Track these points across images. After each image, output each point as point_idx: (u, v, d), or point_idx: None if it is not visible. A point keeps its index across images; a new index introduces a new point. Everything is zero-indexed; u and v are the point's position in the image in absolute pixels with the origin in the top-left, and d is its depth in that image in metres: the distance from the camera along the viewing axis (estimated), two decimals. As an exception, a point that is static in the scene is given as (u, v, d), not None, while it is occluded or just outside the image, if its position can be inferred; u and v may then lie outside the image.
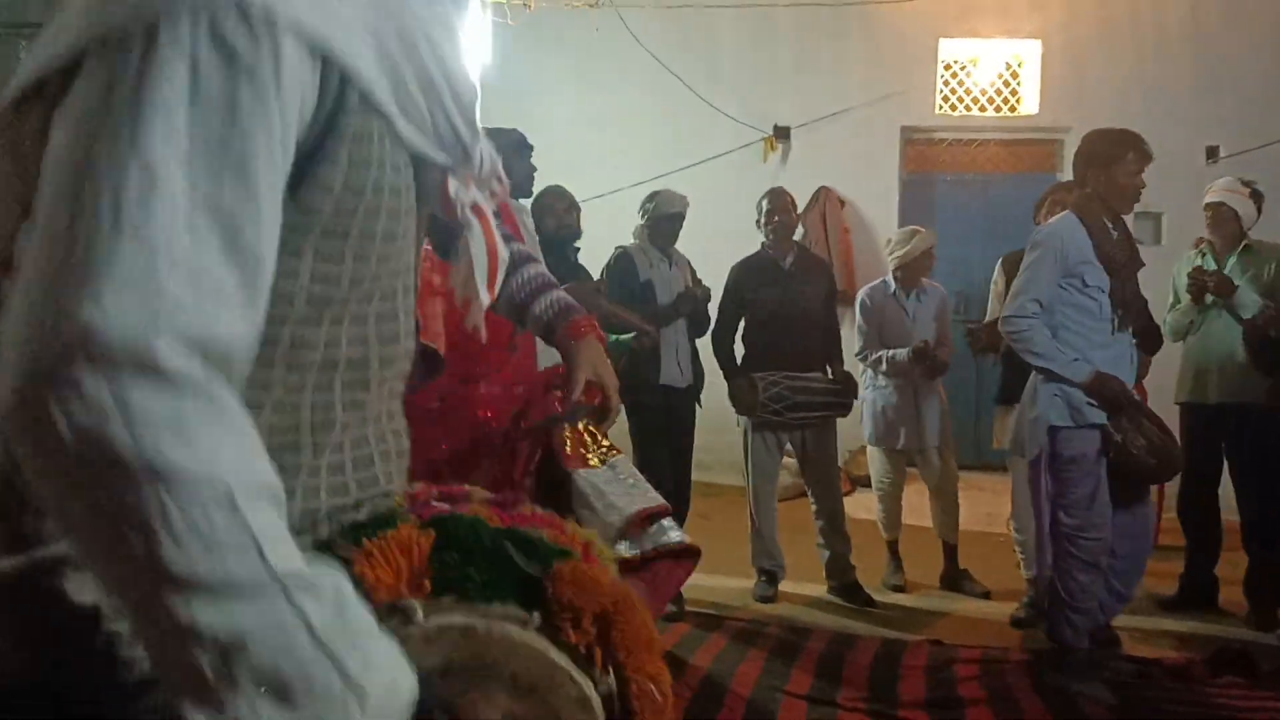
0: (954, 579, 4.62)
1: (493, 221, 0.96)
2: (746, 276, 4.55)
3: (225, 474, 0.59)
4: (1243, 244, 4.32)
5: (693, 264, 4.55)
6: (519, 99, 6.05)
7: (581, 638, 0.82)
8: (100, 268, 0.58)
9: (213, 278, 0.62)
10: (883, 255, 5.19)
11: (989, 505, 5.65)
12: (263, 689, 0.60)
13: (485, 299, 0.97)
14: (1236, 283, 4.22)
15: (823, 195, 6.99)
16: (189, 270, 0.61)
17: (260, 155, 0.66)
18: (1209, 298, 4.27)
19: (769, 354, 4.43)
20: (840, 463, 4.81)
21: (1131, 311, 3.39)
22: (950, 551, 4.67)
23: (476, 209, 0.93)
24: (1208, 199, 4.35)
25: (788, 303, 4.44)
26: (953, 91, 7.40)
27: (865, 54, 7.11)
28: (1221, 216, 4.30)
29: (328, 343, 0.78)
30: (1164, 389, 4.46)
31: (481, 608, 0.77)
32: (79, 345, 0.57)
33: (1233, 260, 4.31)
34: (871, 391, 4.69)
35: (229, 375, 0.63)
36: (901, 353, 4.50)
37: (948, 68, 7.37)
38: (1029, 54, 7.28)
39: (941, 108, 7.35)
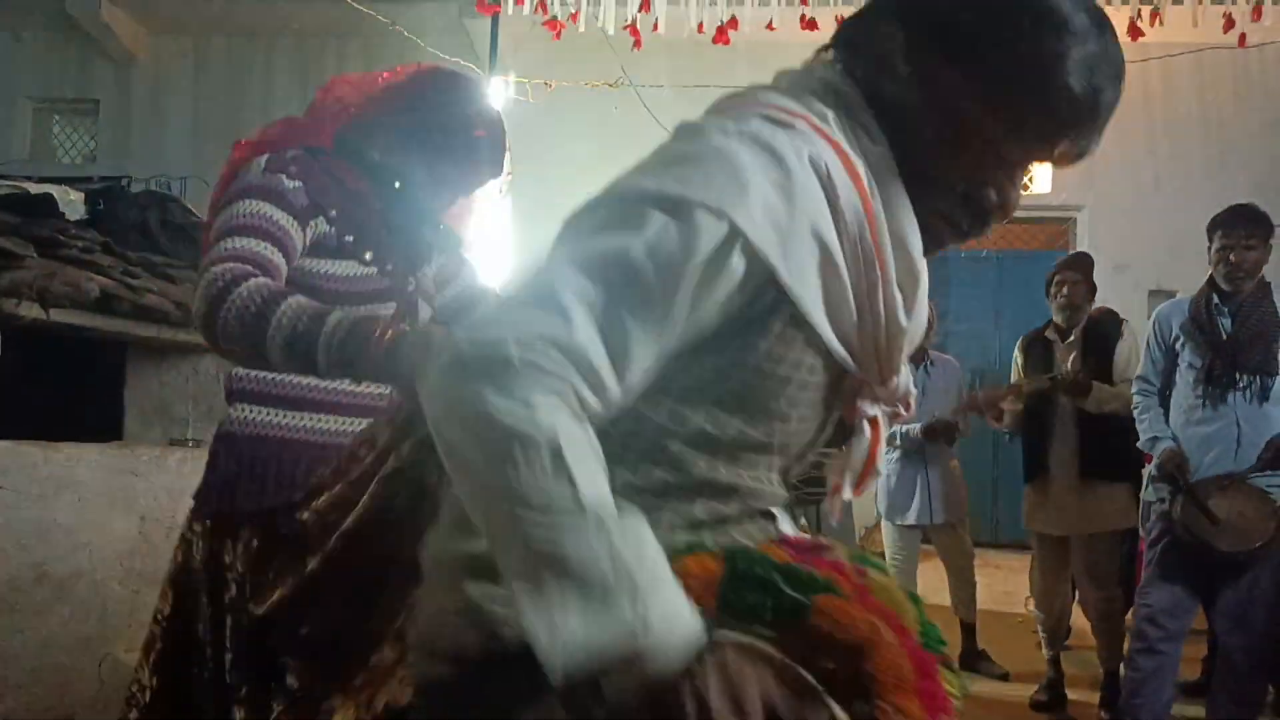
0: (971, 659, 4.55)
1: (883, 436, 1.09)
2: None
3: (557, 435, 0.80)
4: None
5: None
6: (540, 175, 6.16)
7: (834, 666, 0.89)
8: (522, 314, 0.84)
9: (573, 337, 0.84)
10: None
11: (1006, 584, 5.58)
12: (571, 582, 0.79)
13: (848, 495, 1.11)
14: None
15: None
16: (558, 325, 0.83)
17: (674, 305, 0.86)
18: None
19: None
20: (856, 539, 4.77)
21: (1235, 387, 3.26)
22: (968, 630, 4.60)
23: (873, 421, 1.07)
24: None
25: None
26: (966, 170, 7.49)
27: (879, 133, 7.22)
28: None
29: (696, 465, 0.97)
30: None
31: (745, 627, 0.88)
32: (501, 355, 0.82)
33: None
34: (884, 465, 4.66)
35: (575, 389, 0.83)
36: (914, 428, 4.48)
37: (961, 147, 7.47)
38: (1041, 134, 7.37)
39: (955, 186, 7.44)
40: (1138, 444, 3.46)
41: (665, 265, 0.85)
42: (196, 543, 1.71)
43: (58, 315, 2.95)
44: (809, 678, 0.84)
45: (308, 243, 1.65)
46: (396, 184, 1.73)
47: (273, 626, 1.56)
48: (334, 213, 1.66)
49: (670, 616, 0.81)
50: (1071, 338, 4.05)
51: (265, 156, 1.64)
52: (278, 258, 1.58)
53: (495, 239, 7.04)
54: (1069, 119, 0.94)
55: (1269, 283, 3.36)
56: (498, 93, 6.92)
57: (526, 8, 5.42)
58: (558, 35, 5.56)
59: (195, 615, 1.67)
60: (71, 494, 2.88)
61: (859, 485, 1.10)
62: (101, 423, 3.60)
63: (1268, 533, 3.10)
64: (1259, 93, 6.86)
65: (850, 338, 0.95)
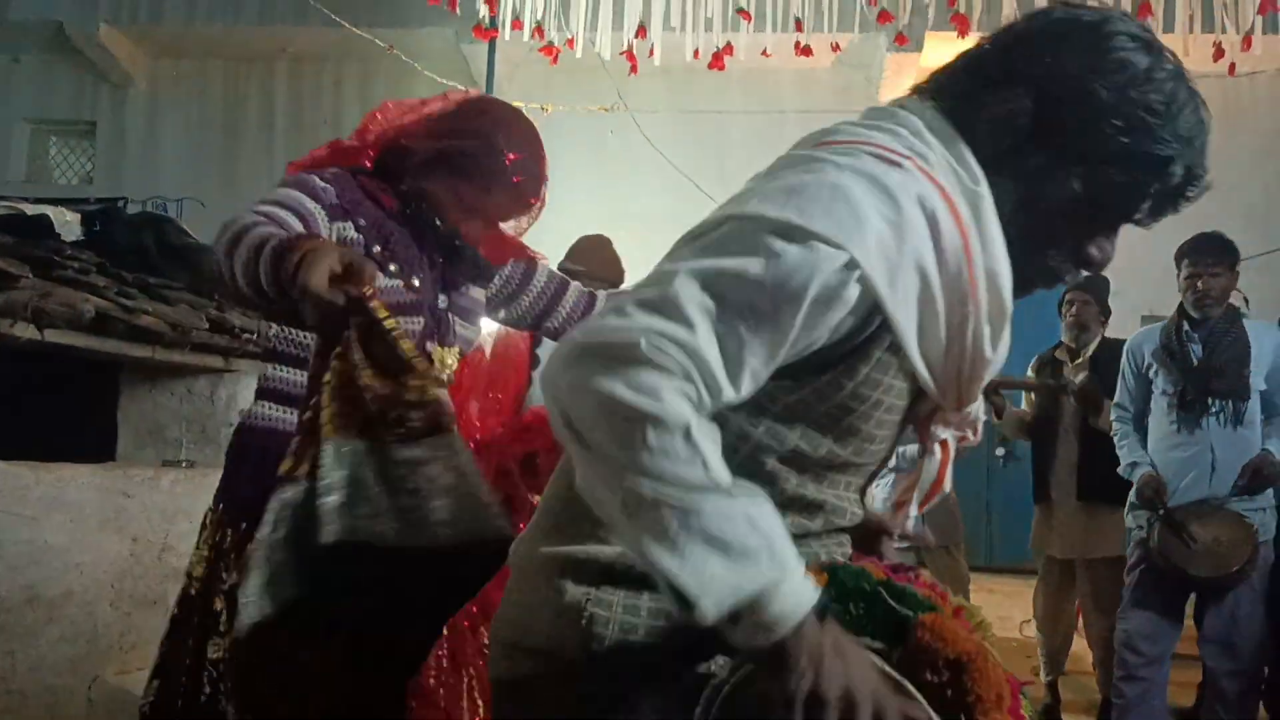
0: (967, 684, 4.51)
1: (951, 458, 1.17)
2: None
3: (688, 420, 0.89)
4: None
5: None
6: (534, 198, 6.19)
7: (936, 679, 0.96)
8: (648, 318, 0.91)
9: (696, 340, 0.91)
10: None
11: (1001, 608, 5.56)
12: (706, 542, 0.88)
13: (914, 513, 1.21)
14: None
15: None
16: (683, 340, 0.91)
17: (782, 325, 0.94)
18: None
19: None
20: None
21: (1208, 412, 3.31)
22: (963, 656, 4.57)
23: (943, 444, 1.17)
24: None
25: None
26: (960, 195, 7.54)
27: (873, 158, 7.28)
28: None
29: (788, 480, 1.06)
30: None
31: (852, 638, 0.94)
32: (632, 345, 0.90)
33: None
34: (875, 488, 4.65)
35: (695, 386, 0.91)
36: (911, 449, 4.46)
37: (954, 173, 7.53)
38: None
39: (949, 211, 7.49)
40: (1118, 469, 3.48)
41: (783, 289, 0.93)
42: (209, 531, 1.77)
43: (52, 336, 2.95)
44: (907, 684, 0.92)
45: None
46: (424, 205, 1.77)
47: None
48: (363, 222, 1.71)
49: (796, 575, 0.91)
50: (1080, 359, 4.04)
51: (299, 176, 1.71)
52: (298, 225, 1.60)
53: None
54: (1174, 202, 1.05)
55: (1237, 308, 3.43)
56: (494, 117, 6.99)
57: (524, 33, 5.45)
58: (554, 60, 5.59)
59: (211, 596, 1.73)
60: (63, 515, 2.87)
61: (924, 503, 1.21)
62: (95, 444, 3.59)
63: (1244, 556, 3.12)
64: (1249, 121, 6.92)
65: (937, 366, 1.03)
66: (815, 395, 1.01)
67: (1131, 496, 3.41)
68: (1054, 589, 4.10)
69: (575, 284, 2.07)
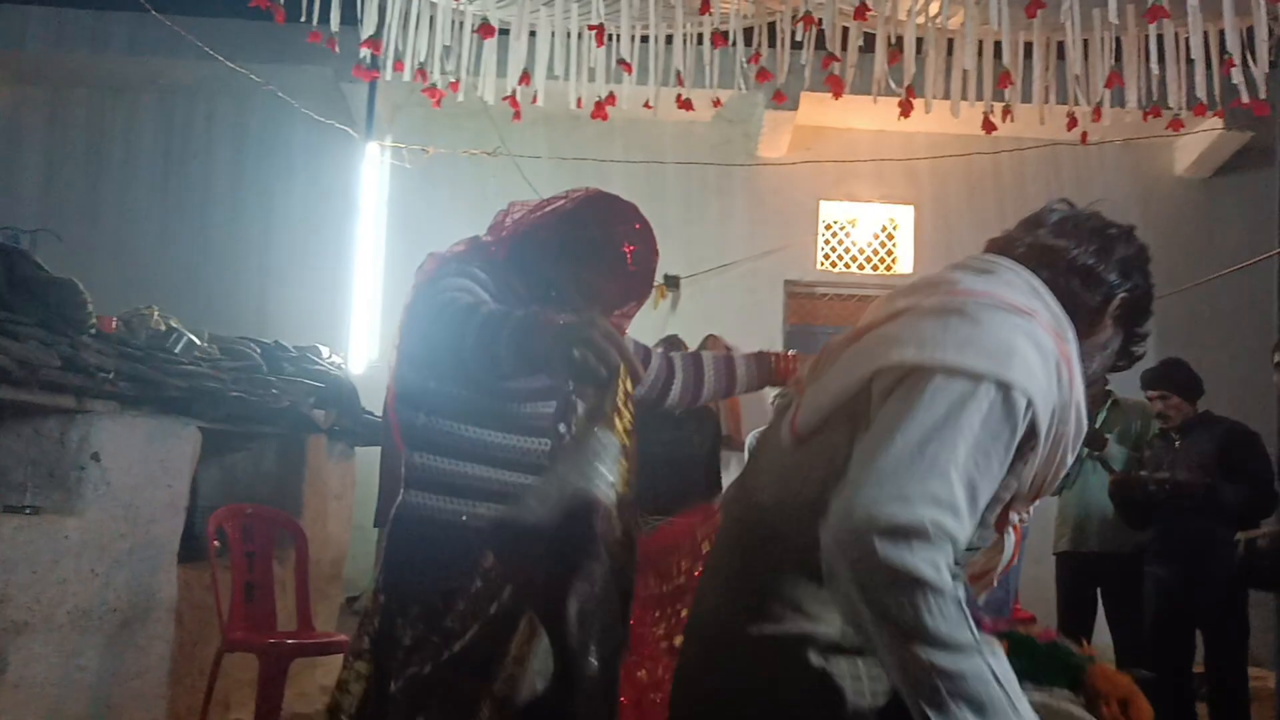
0: None
1: (1023, 544, 1.53)
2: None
3: (956, 589, 1.14)
4: (1110, 400, 4.60)
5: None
6: (415, 241, 6.10)
7: (1110, 713, 1.38)
8: (910, 481, 1.17)
9: (960, 510, 1.17)
10: (767, 401, 5.31)
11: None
12: (970, 706, 1.12)
13: (994, 586, 1.51)
14: (1106, 436, 4.46)
15: (709, 343, 7.15)
16: (952, 503, 1.17)
17: (995, 464, 1.23)
18: (1084, 450, 4.49)
19: (652, 497, 4.43)
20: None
21: None
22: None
23: (1015, 527, 1.46)
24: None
25: (674, 446, 4.49)
26: (833, 249, 7.76)
27: (751, 211, 7.44)
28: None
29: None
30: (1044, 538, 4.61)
31: (1047, 689, 1.31)
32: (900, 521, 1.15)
33: (1102, 416, 4.57)
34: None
35: (954, 551, 1.17)
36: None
37: (828, 227, 7.75)
38: (903, 218, 7.72)
39: (822, 264, 7.69)
40: None
41: (1000, 430, 1.23)
42: (374, 617, 1.89)
43: (-115, 372, 2.75)
44: None
45: None
46: (552, 292, 1.90)
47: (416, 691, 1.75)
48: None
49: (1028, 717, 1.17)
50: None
51: (454, 264, 1.88)
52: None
53: (369, 301, 6.92)
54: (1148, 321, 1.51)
55: None
56: (373, 158, 6.88)
57: (406, 74, 5.40)
58: (437, 103, 5.56)
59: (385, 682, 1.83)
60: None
61: (1001, 575, 1.50)
62: (-71, 488, 3.35)
63: None
64: (1099, 186, 7.35)
65: (1039, 471, 1.35)
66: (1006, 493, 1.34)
67: None
68: None
69: (655, 352, 2.27)
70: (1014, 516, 1.41)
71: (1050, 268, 1.43)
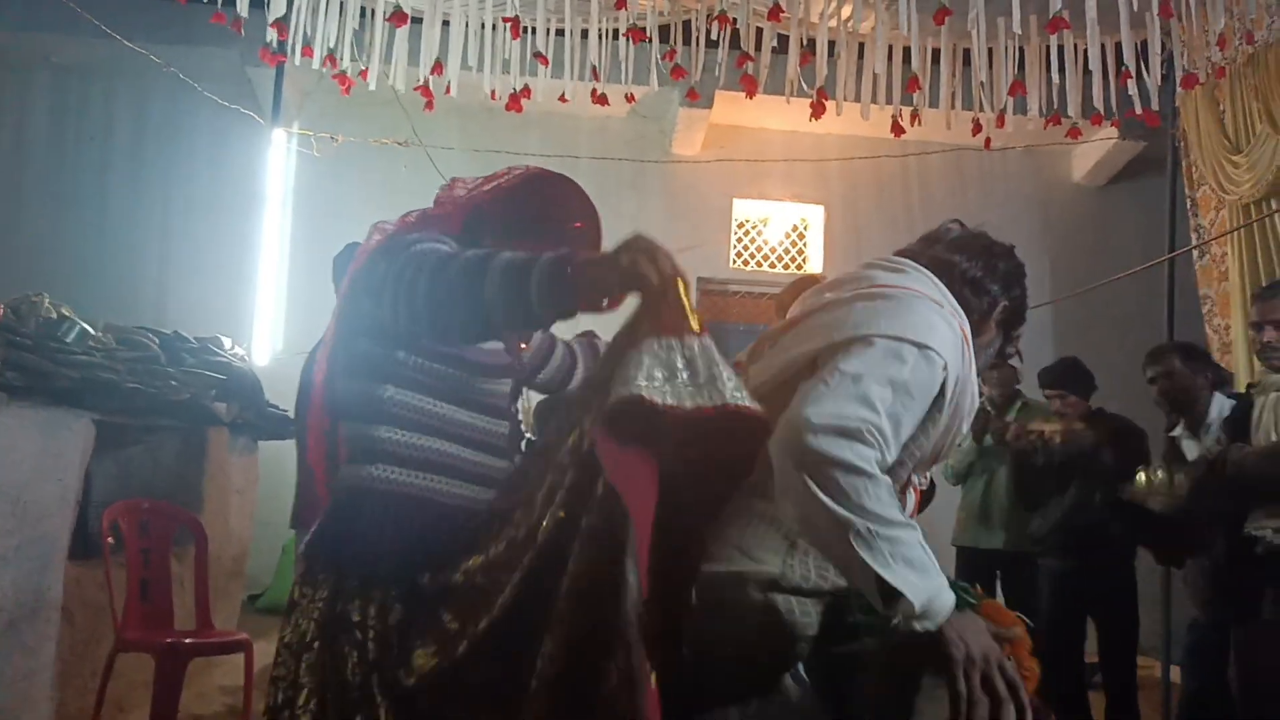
0: None
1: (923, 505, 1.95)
2: (548, 412, 4.57)
3: (880, 476, 1.43)
4: (1020, 402, 4.78)
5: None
6: (322, 229, 5.98)
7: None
8: (842, 402, 1.45)
9: (885, 433, 1.46)
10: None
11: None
12: (906, 563, 1.40)
13: None
14: (1008, 422, 4.63)
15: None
16: (879, 425, 1.46)
17: (916, 407, 1.54)
18: (988, 440, 4.63)
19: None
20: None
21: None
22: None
23: (915, 488, 1.72)
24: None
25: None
26: (745, 248, 7.84)
27: (665, 208, 7.47)
28: (1006, 376, 4.74)
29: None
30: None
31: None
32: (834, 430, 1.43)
33: (1012, 414, 4.73)
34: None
35: (880, 463, 1.45)
36: None
37: (740, 225, 7.83)
38: (814, 217, 7.84)
39: (735, 262, 7.77)
40: None
41: (922, 382, 1.54)
42: (314, 603, 1.71)
43: None
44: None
45: None
46: None
47: (424, 693, 1.58)
48: None
49: (945, 584, 1.45)
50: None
51: (417, 230, 1.80)
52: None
53: (274, 292, 6.76)
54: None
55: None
56: (279, 145, 6.72)
57: (315, 60, 5.28)
58: (347, 90, 5.45)
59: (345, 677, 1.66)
60: None
61: None
62: None
63: None
64: (1004, 191, 7.57)
65: (947, 432, 1.64)
66: (909, 442, 1.58)
67: None
68: None
69: (560, 341, 2.28)
70: (915, 479, 1.67)
71: (947, 276, 1.71)
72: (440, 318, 1.60)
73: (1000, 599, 4.66)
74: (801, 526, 1.49)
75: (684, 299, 1.40)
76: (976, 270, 1.75)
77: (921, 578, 1.40)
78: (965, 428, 1.67)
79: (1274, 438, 3.05)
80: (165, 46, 6.40)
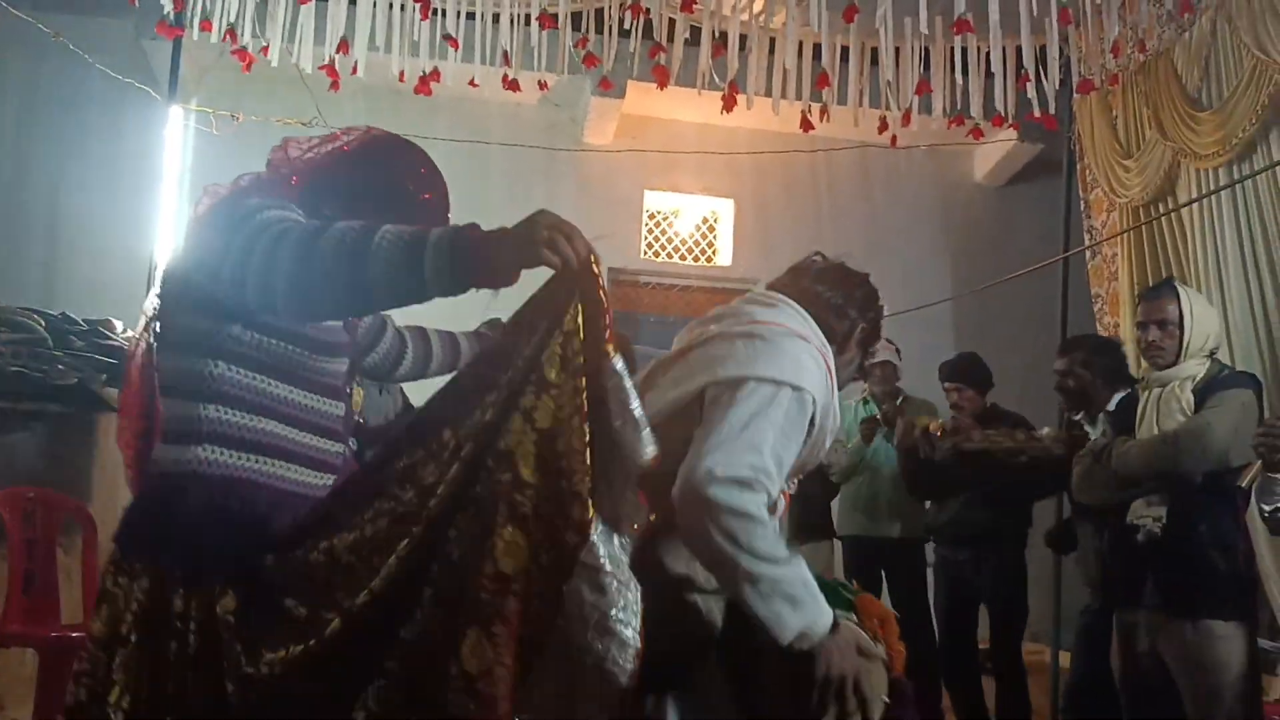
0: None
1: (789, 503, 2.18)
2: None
3: (772, 522, 1.75)
4: (900, 398, 4.89)
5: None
6: (220, 211, 5.80)
7: (871, 626, 1.92)
8: (736, 451, 1.75)
9: (771, 474, 1.75)
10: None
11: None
12: (784, 599, 1.72)
13: None
14: (887, 412, 4.78)
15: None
16: (765, 468, 1.75)
17: (794, 444, 1.84)
18: (877, 442, 4.73)
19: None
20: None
21: None
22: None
23: (786, 495, 1.94)
24: (875, 358, 4.84)
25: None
26: (656, 239, 7.86)
27: (576, 197, 7.43)
28: (887, 373, 4.85)
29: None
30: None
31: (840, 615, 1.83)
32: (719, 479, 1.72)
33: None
34: None
35: (768, 500, 1.74)
36: None
37: (651, 217, 7.84)
38: (723, 211, 7.89)
39: (645, 253, 7.78)
40: None
41: (796, 420, 1.82)
42: (131, 594, 1.58)
43: None
44: (869, 640, 1.85)
45: None
46: None
47: (282, 677, 1.48)
48: None
49: (825, 611, 1.75)
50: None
51: (257, 194, 1.68)
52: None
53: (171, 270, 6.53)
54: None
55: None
56: (176, 122, 6.49)
57: (214, 35, 5.11)
58: (248, 67, 5.29)
59: (163, 673, 1.53)
60: None
61: None
62: None
63: None
64: (909, 189, 7.72)
65: (813, 450, 1.94)
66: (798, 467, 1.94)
67: None
68: None
69: (390, 323, 2.23)
70: (786, 485, 1.91)
71: (813, 305, 1.99)
72: (311, 296, 1.50)
73: (885, 585, 4.81)
74: (701, 561, 1.79)
75: (601, 280, 1.44)
76: (838, 298, 2.04)
77: (796, 613, 1.70)
78: (829, 442, 1.98)
79: (1156, 432, 3.17)
80: (55, 15, 6.12)
